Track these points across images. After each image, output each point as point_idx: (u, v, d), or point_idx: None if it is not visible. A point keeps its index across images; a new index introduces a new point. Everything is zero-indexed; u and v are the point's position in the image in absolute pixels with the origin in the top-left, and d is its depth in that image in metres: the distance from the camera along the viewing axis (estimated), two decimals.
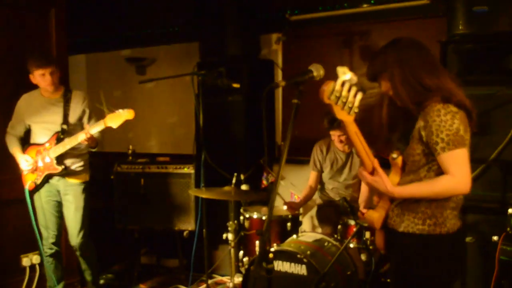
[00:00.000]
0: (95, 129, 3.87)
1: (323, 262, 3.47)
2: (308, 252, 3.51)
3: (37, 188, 4.05)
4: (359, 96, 2.03)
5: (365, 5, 4.75)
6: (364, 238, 3.86)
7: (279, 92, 5.32)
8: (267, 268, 2.27)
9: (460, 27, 3.70)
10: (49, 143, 4.01)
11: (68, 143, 3.92)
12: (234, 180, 4.12)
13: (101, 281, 4.65)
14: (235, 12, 4.94)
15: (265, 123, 4.16)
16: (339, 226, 4.09)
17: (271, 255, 2.22)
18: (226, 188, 4.04)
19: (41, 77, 3.94)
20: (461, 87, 2.28)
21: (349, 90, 2.01)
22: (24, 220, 4.33)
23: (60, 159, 3.99)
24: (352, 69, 5.03)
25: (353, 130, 2.12)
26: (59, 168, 3.99)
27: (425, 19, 4.41)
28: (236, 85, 4.50)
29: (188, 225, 4.91)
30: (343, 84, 2.00)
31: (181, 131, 4.57)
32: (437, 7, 4.27)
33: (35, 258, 4.40)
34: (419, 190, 2.22)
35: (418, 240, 2.27)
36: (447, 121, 2.14)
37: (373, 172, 2.25)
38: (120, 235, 5.20)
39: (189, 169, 4.90)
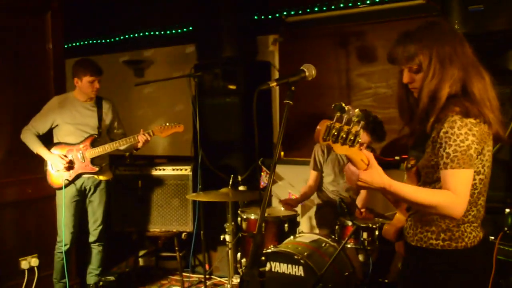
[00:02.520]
0: (146, 135, 4.19)
1: (321, 263, 3.45)
2: (305, 253, 3.49)
3: (66, 185, 4.22)
4: (362, 123, 1.78)
5: (360, 6, 4.74)
6: (362, 239, 3.85)
7: (276, 93, 5.32)
8: (259, 271, 2.23)
9: (456, 26, 3.69)
10: (84, 144, 4.22)
11: (109, 147, 4.21)
12: (231, 182, 4.12)
13: (101, 283, 4.65)
14: (231, 14, 4.94)
15: (256, 124, 4.14)
16: (337, 227, 4.09)
17: (263, 258, 2.17)
18: (224, 190, 4.04)
19: (88, 83, 4.21)
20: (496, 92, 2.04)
21: (349, 123, 1.78)
22: (22, 222, 4.37)
23: (94, 159, 4.24)
24: (348, 69, 5.04)
25: (359, 158, 1.86)
26: (96, 168, 4.25)
27: (420, 18, 4.39)
28: (232, 87, 4.52)
29: (186, 226, 4.91)
30: (340, 119, 1.79)
31: (179, 132, 4.58)
32: (433, 6, 4.28)
33: (34, 261, 4.41)
34: (414, 194, 1.92)
35: (432, 256, 2.08)
36: (459, 136, 1.91)
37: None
38: (118, 238, 5.20)
39: (186, 171, 4.91)
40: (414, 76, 2.04)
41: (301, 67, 2.17)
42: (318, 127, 1.77)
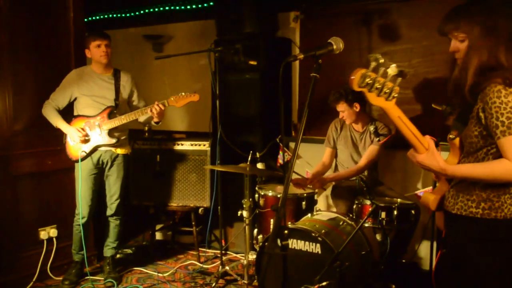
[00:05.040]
0: (160, 105, 4.13)
1: (338, 241, 3.45)
2: (323, 231, 3.49)
3: (84, 158, 4.24)
4: (399, 80, 1.93)
5: None
6: (380, 218, 3.84)
7: (295, 71, 5.28)
8: (282, 245, 2.25)
9: None
10: (101, 116, 4.22)
11: (125, 119, 4.20)
12: (249, 158, 4.11)
13: (117, 256, 4.71)
14: None
15: (281, 98, 4.20)
16: (355, 206, 4.08)
17: (286, 232, 2.19)
18: (242, 165, 4.04)
19: (96, 48, 4.21)
20: None
21: (385, 76, 1.91)
22: (42, 194, 4.41)
23: (111, 131, 4.22)
24: (370, 48, 4.97)
25: (396, 114, 2.02)
26: (113, 141, 4.25)
27: None
28: (253, 62, 4.48)
29: (203, 202, 4.93)
30: (376, 69, 1.90)
31: (198, 108, 4.57)
32: None
33: (52, 232, 4.46)
34: (474, 171, 2.10)
35: (471, 224, 2.16)
36: (508, 103, 1.99)
37: None
38: (135, 211, 5.24)
39: (205, 146, 4.91)
40: (459, 45, 2.15)
41: (329, 40, 2.14)
42: (352, 74, 1.89)
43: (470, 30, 2.10)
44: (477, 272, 2.18)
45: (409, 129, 2.07)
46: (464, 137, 2.20)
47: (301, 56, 2.07)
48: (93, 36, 4.23)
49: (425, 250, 4.47)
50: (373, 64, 1.89)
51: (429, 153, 2.11)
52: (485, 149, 2.13)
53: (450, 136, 2.24)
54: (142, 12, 6.10)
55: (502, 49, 2.06)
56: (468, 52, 2.11)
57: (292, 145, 5.31)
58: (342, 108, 4.28)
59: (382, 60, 1.89)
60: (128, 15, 6.23)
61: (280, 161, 5.02)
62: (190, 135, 5.34)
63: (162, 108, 4.15)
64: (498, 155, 2.07)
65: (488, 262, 2.14)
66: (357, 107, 4.25)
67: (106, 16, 6.38)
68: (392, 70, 1.90)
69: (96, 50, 4.21)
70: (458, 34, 2.14)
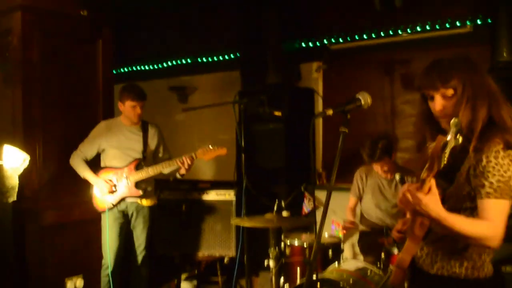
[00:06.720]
0: (188, 159, 4.17)
1: None
2: (351, 281, 3.44)
3: (110, 209, 4.26)
4: (450, 147, 1.75)
5: (405, 34, 4.74)
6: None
7: (319, 120, 5.33)
8: None
9: (504, 55, 3.67)
10: (128, 168, 4.25)
11: (152, 171, 4.22)
12: (275, 207, 4.11)
13: None
14: (276, 41, 5.01)
15: (300, 150, 4.20)
16: (382, 254, 4.03)
17: (318, 285, 2.18)
18: (268, 215, 4.04)
19: (131, 108, 4.27)
20: None
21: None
22: (68, 244, 4.45)
23: (138, 183, 4.25)
24: (393, 97, 5.02)
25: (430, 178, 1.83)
26: (140, 192, 4.27)
27: (467, 47, 4.37)
28: (278, 113, 4.55)
29: (228, 251, 4.91)
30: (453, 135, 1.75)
31: (222, 158, 4.62)
32: (480, 35, 4.25)
33: (79, 282, 4.48)
34: (460, 224, 1.88)
35: (453, 285, 2.03)
36: (503, 166, 1.89)
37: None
38: (161, 261, 5.23)
39: (230, 196, 4.93)
40: (444, 102, 2.00)
41: (357, 95, 2.18)
42: (436, 143, 1.75)
43: (461, 85, 1.96)
44: None
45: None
46: (449, 195, 2.02)
47: (330, 112, 2.10)
48: (131, 95, 4.23)
49: None
50: (452, 131, 1.73)
51: (433, 195, 1.83)
52: (469, 210, 1.99)
53: None
54: (167, 64, 6.27)
55: (500, 103, 1.98)
56: (464, 110, 1.95)
57: (316, 193, 5.30)
58: (386, 161, 4.19)
59: (459, 126, 1.74)
60: (153, 67, 6.41)
61: (305, 209, 5.01)
62: (215, 184, 5.38)
63: (189, 162, 4.18)
64: None
65: None
66: (395, 156, 4.24)
67: (132, 69, 6.57)
68: (456, 140, 1.75)
69: (130, 110, 4.27)
70: (447, 90, 1.97)
